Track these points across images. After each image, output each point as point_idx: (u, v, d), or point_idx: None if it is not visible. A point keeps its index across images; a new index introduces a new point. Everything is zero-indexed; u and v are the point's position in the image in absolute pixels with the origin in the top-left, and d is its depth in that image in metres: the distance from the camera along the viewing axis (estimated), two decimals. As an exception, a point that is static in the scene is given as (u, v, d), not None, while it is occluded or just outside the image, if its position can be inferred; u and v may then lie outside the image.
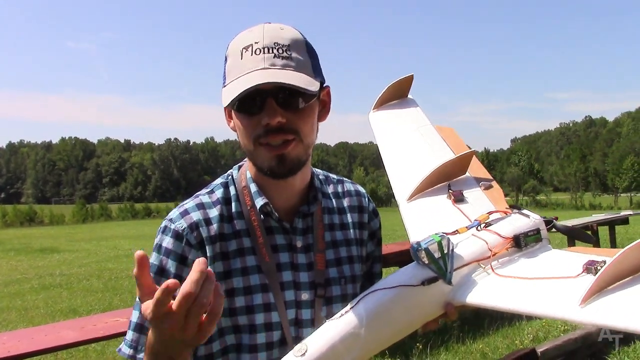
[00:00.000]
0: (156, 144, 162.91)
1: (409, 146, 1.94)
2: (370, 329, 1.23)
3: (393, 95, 2.17)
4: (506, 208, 1.57)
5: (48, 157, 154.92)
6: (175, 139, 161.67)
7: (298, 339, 1.30)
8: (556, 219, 1.53)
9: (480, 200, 1.65)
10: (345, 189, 1.59)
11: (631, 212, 14.72)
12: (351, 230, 1.53)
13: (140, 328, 1.32)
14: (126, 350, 1.33)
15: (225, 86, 1.29)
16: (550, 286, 1.22)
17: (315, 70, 1.33)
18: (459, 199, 1.66)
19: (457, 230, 1.43)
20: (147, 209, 74.18)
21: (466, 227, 1.46)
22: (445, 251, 1.28)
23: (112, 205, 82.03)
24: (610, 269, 1.14)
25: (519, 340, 6.50)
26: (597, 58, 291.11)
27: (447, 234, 1.36)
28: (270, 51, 1.26)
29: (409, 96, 2.20)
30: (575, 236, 1.58)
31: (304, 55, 1.31)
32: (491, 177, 1.79)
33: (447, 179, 1.75)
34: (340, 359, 1.20)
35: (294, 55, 1.28)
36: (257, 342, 1.33)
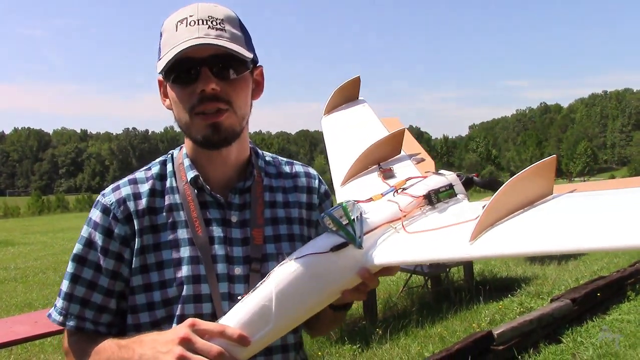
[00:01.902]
0: (114, 134, 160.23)
1: (351, 141, 1.93)
2: (280, 301, 1.21)
3: (343, 98, 2.17)
4: (425, 172, 1.57)
5: (1, 148, 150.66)
6: (134, 128, 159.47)
7: None
8: (477, 175, 1.55)
9: (410, 174, 1.63)
10: (294, 170, 1.60)
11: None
12: (295, 209, 1.54)
13: (70, 297, 1.38)
14: (56, 317, 1.40)
15: (160, 59, 1.33)
16: (450, 232, 1.24)
17: (248, 46, 1.38)
18: (388, 175, 1.67)
19: (371, 198, 1.43)
20: (106, 199, 72.70)
21: (381, 194, 1.45)
22: (352, 216, 1.27)
23: (69, 196, 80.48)
24: (496, 202, 1.15)
25: (476, 323, 6.63)
26: (551, 46, 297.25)
27: (360, 201, 1.36)
28: (205, 23, 1.31)
29: (360, 98, 2.19)
30: (493, 187, 1.61)
31: (237, 30, 1.36)
32: (424, 153, 1.80)
33: (380, 161, 1.75)
34: (255, 334, 1.20)
35: (227, 28, 1.33)
36: (186, 313, 1.33)
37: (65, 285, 1.39)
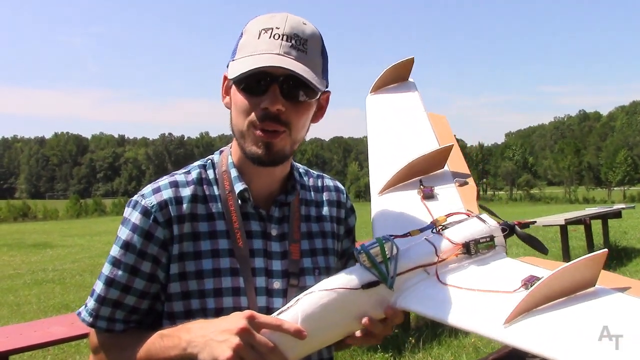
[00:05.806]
0: (150, 139, 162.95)
1: (394, 134, 1.86)
2: (304, 327, 1.20)
3: (393, 78, 2.07)
4: (468, 210, 1.53)
5: (42, 153, 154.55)
6: (170, 133, 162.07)
7: None
8: (518, 224, 1.50)
9: (451, 198, 1.60)
10: (325, 184, 1.60)
11: (624, 206, 14.72)
12: (328, 224, 1.54)
13: (102, 300, 1.36)
14: (86, 316, 1.38)
15: (234, 60, 1.31)
16: (485, 300, 1.21)
17: (324, 72, 1.36)
18: (428, 195, 1.62)
19: (409, 233, 1.40)
20: (142, 204, 73.71)
21: (419, 229, 1.42)
22: (389, 255, 1.25)
23: (106, 200, 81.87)
24: (539, 290, 1.13)
25: (512, 334, 6.49)
26: (590, 51, 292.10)
27: (398, 236, 1.34)
28: (290, 40, 1.28)
29: (410, 79, 2.10)
30: (532, 245, 1.55)
31: (318, 54, 1.33)
32: (468, 173, 1.74)
33: (422, 174, 1.70)
34: None
35: (309, 51, 1.30)
36: None
37: (98, 287, 1.36)
